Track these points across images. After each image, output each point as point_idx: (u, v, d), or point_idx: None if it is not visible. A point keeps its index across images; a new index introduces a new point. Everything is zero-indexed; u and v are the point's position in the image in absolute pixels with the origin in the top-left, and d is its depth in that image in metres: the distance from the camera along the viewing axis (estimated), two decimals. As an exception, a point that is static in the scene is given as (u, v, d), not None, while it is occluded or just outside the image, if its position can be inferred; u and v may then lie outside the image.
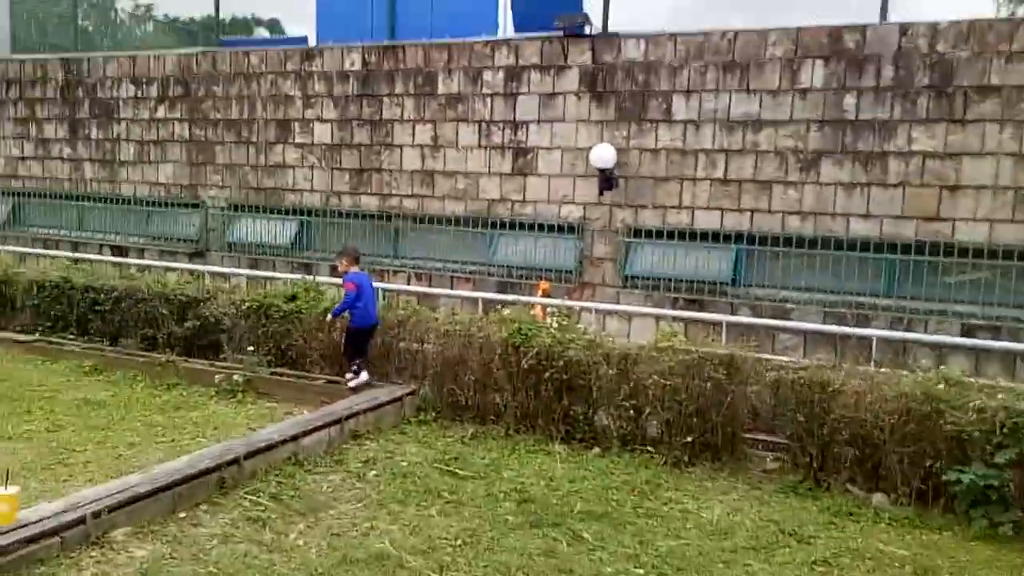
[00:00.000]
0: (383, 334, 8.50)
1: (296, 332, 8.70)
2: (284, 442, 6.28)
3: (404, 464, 6.69)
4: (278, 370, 8.65)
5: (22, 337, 9.61)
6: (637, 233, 11.98)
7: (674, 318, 10.79)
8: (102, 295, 9.45)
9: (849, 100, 10.78)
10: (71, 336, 9.65)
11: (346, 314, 8.24)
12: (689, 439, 7.20)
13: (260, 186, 14.49)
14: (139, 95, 15.45)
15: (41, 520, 4.45)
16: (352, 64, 13.66)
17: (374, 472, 6.45)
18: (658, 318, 11.21)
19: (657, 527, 5.77)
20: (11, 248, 14.63)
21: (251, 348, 8.68)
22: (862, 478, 6.74)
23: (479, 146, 12.81)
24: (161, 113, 15.27)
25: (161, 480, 5.20)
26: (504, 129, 12.66)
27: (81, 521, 4.57)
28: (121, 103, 15.60)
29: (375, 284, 12.35)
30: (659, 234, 11.78)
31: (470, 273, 12.72)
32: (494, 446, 7.41)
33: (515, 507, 5.95)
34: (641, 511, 6.05)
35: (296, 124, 14.16)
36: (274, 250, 14.12)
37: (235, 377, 8.35)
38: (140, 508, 4.96)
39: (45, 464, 6.15)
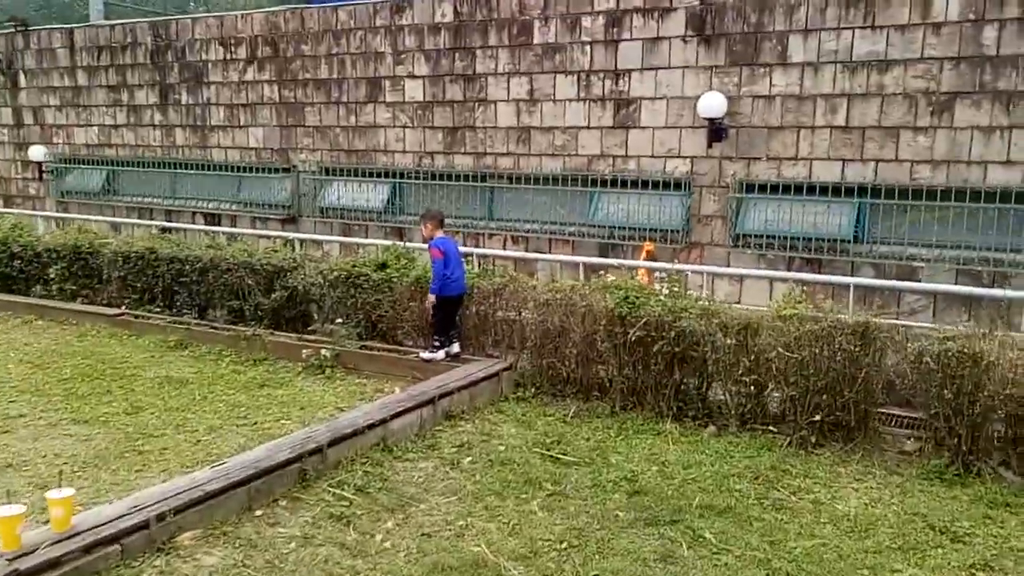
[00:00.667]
0: (478, 304, 7.81)
1: (387, 302, 8.12)
2: (371, 426, 5.69)
3: (502, 449, 6.01)
4: (368, 343, 8.10)
5: (108, 310, 9.38)
6: (749, 188, 10.91)
7: (792, 280, 9.72)
8: (187, 266, 9.09)
9: (989, 33, 9.41)
10: (157, 309, 9.37)
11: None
12: (817, 418, 6.31)
13: (351, 148, 14.00)
14: (228, 57, 15.13)
15: (99, 526, 3.96)
16: (443, 15, 12.90)
17: (469, 459, 5.79)
18: (773, 280, 10.19)
19: (787, 523, 4.95)
20: (103, 218, 14.66)
21: (339, 320, 8.14)
22: (1017, 461, 5.73)
23: (578, 98, 11.89)
24: (250, 75, 14.92)
25: (235, 474, 4.67)
26: (604, 79, 11.70)
27: (144, 526, 4.06)
28: (210, 66, 15.32)
29: (470, 249, 11.84)
30: (773, 188, 10.69)
31: (569, 235, 11.90)
32: (599, 425, 6.66)
33: (625, 500, 5.20)
34: (767, 503, 5.22)
35: (387, 82, 13.54)
36: (366, 214, 13.64)
37: (323, 352, 7.84)
38: (211, 507, 4.44)
39: (119, 452, 5.75)
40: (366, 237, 13.30)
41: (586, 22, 11.75)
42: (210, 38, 15.30)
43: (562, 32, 11.92)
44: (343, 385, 7.51)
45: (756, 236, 10.81)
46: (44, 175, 17.62)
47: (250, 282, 8.75)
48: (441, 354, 7.63)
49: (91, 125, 17.03)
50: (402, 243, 9.20)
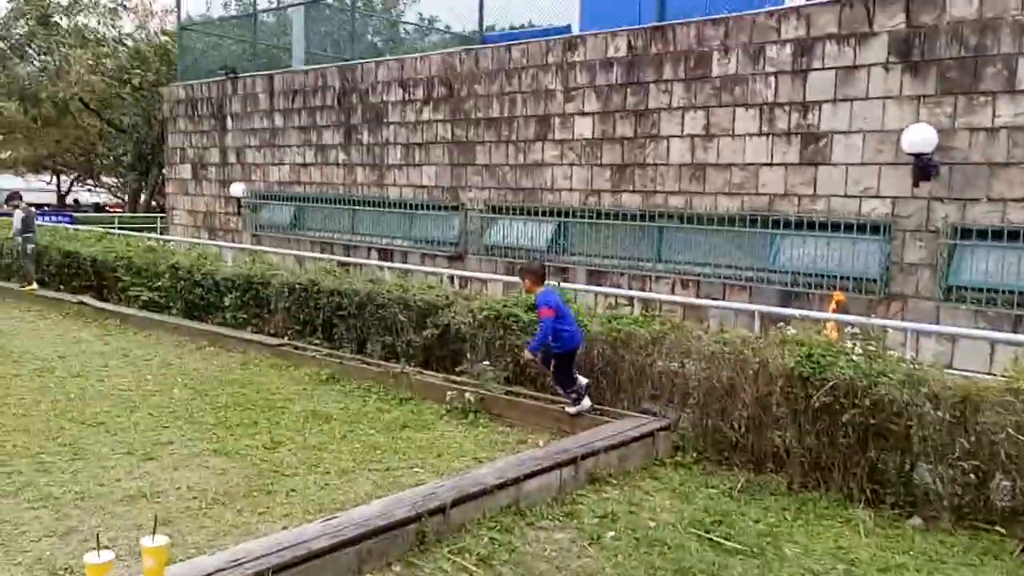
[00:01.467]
0: (635, 354, 7.11)
1: (537, 346, 7.58)
2: (502, 486, 5.12)
3: (652, 525, 5.24)
4: (514, 388, 7.59)
5: (272, 340, 9.50)
6: (965, 233, 9.50)
7: (1020, 343, 8.23)
8: (345, 299, 9.04)
9: None
10: (316, 341, 9.37)
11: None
12: (1066, 521, 5.03)
13: (518, 186, 13.76)
14: (406, 98, 15.45)
15: (190, 582, 3.63)
16: (616, 51, 12.44)
17: (612, 534, 5.07)
18: (995, 342, 8.72)
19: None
20: (287, 251, 15.27)
21: (485, 363, 7.70)
22: None
23: (759, 133, 10.97)
24: (426, 115, 15.13)
25: (347, 531, 4.25)
26: (791, 112, 10.71)
27: (238, 583, 3.70)
28: (390, 107, 15.71)
29: (634, 292, 11.13)
30: (996, 234, 9.23)
31: (746, 280, 10.90)
32: (772, 505, 5.71)
33: (802, 609, 4.28)
34: (991, 636, 4.09)
35: (556, 119, 13.23)
36: (531, 253, 13.29)
37: (467, 395, 7.41)
38: (315, 567, 4.02)
39: (249, 489, 5.54)
40: (530, 277, 12.92)
41: (771, 51, 10.85)
42: (391, 80, 15.72)
43: (743, 63, 11.08)
44: (485, 432, 7.02)
45: (974, 289, 9.38)
46: (242, 210, 18.79)
47: (403, 318, 8.53)
48: (587, 403, 6.96)
49: (283, 164, 17.99)
50: (557, 283, 8.64)
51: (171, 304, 11.21)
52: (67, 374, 8.43)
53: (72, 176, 44.66)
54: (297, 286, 9.55)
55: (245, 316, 10.28)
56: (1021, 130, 9.15)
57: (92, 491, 5.36)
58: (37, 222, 14.81)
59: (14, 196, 14.58)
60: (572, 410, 7.00)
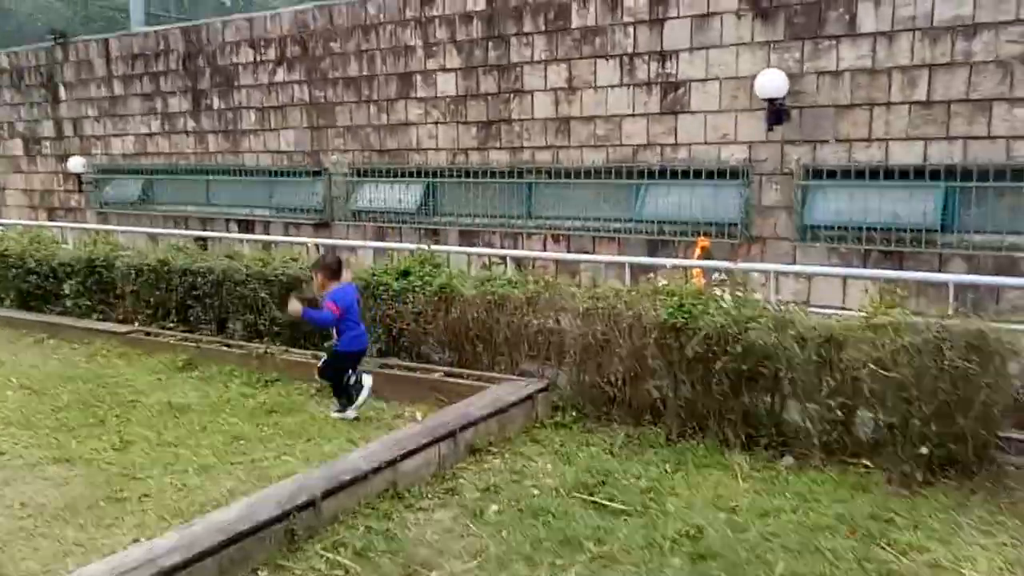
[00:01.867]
0: (510, 315, 6.93)
1: (408, 314, 7.29)
2: (377, 470, 4.83)
3: (535, 493, 5.10)
4: (387, 360, 7.28)
5: (120, 328, 8.78)
6: (817, 174, 9.82)
7: (871, 278, 8.58)
8: (200, 278, 8.41)
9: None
10: (171, 325, 8.71)
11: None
12: (924, 450, 5.22)
13: (383, 148, 13.26)
14: (258, 59, 14.56)
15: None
16: (476, 3, 12.06)
17: (495, 507, 4.89)
18: (848, 278, 9.09)
19: (902, 598, 3.91)
20: (138, 229, 14.22)
21: (356, 336, 7.33)
22: None
23: (621, 84, 10.93)
24: (280, 77, 14.32)
25: (204, 541, 3.87)
26: (650, 62, 10.70)
27: (76, 615, 3.28)
28: (240, 69, 14.77)
29: (506, 251, 10.95)
30: (844, 174, 9.60)
31: (614, 232, 10.93)
32: (653, 458, 5.69)
33: (689, 566, 4.23)
34: (871, 568, 4.18)
35: (418, 77, 12.77)
36: (400, 216, 12.89)
37: (336, 372, 7.03)
38: (167, 585, 3.63)
39: (95, 500, 5.02)
40: (400, 240, 12.56)
41: (628, 1, 10.77)
42: (240, 40, 14.76)
43: (602, 13, 10.97)
44: (359, 410, 6.69)
45: (826, 228, 9.73)
46: (84, 186, 17.37)
47: (264, 295, 8.02)
48: (352, 412, 6.49)
49: (127, 134, 16.70)
50: (427, 247, 8.34)
51: (2, 295, 10.18)
52: None
53: None
54: (145, 267, 8.81)
55: (89, 303, 9.45)
56: (862, 72, 9.46)
57: (-95, 520, 4.71)
58: None
59: None
60: (334, 415, 6.53)
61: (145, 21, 18.05)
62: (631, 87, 10.80)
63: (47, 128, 18.08)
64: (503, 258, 10.00)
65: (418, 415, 6.53)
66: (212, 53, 15.12)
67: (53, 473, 5.44)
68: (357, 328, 6.49)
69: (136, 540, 4.48)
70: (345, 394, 6.54)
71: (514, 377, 6.71)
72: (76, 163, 17.02)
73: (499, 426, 5.96)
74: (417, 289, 7.27)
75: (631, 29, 10.76)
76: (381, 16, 13.05)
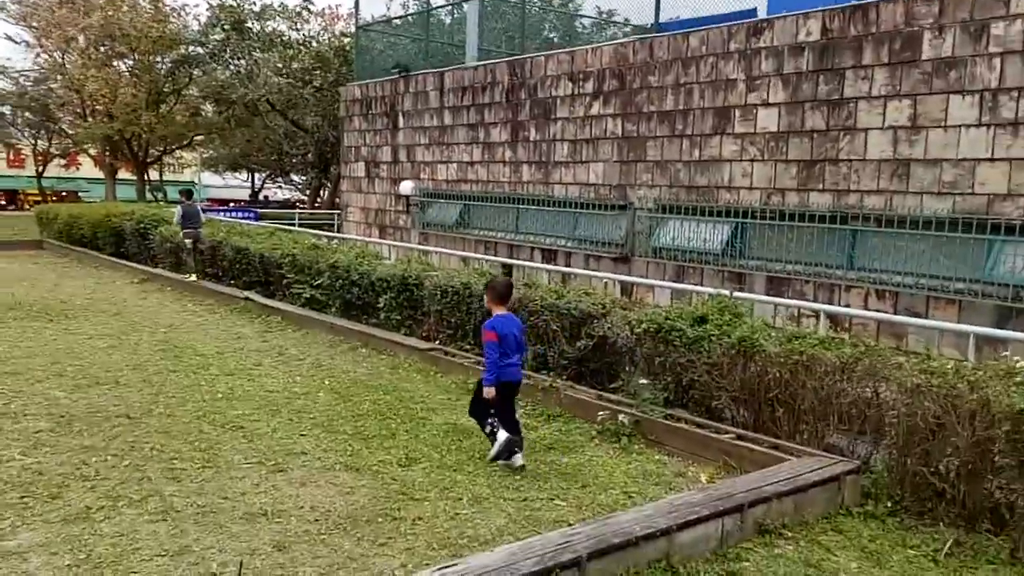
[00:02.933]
0: (820, 379, 6.07)
1: (701, 364, 6.71)
2: (650, 537, 4.34)
3: (835, 596, 4.29)
4: (675, 412, 6.74)
5: (422, 344, 9.17)
6: None
7: None
8: (496, 304, 8.51)
9: None
10: (467, 347, 8.92)
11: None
12: None
13: (692, 184, 12.76)
14: (575, 92, 14.81)
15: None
16: (808, 34, 11.16)
17: (784, 605, 4.18)
18: None
19: None
20: (451, 251, 15.05)
21: (643, 380, 6.91)
22: None
23: (978, 124, 9.40)
24: (595, 110, 14.42)
25: (460, 584, 3.65)
26: (1020, 99, 9.09)
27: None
28: (558, 102, 15.13)
29: (820, 305, 9.87)
30: None
31: (955, 293, 9.38)
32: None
33: None
34: None
35: (736, 111, 12.11)
36: (703, 257, 12.26)
37: (621, 417, 6.66)
38: (420, 628, 3.45)
39: (375, 514, 5.08)
40: (700, 281, 11.94)
41: (996, 29, 9.26)
42: (560, 73, 15.13)
43: (961, 44, 9.54)
44: (639, 461, 6.24)
45: None
46: (411, 208, 18.91)
47: (555, 327, 7.89)
48: (519, 460, 5.96)
49: (451, 162, 17.88)
50: (728, 292, 7.69)
51: (330, 303, 11.20)
52: (220, 372, 8.47)
53: (264, 174, 47.72)
54: (450, 288, 9.15)
55: (399, 317, 10.04)
56: None
57: (214, 505, 5.10)
58: (221, 217, 15.55)
59: (186, 193, 15.81)
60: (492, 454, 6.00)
61: (478, 56, 19.30)
62: (991, 127, 9.25)
63: (386, 153, 20.00)
64: (816, 312, 9.04)
65: (703, 478, 5.93)
66: (533, 86, 15.68)
67: (343, 480, 5.64)
68: (509, 359, 6.06)
69: (403, 566, 4.43)
70: (492, 427, 6.07)
71: (818, 452, 5.85)
72: (406, 187, 18.59)
73: (795, 507, 5.17)
74: (714, 339, 6.67)
75: (997, 61, 9.24)
76: (703, 48, 12.61)
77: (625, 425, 6.63)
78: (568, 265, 14.10)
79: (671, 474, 6.03)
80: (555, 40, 25.08)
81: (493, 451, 5.98)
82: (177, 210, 15.25)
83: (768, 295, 10.82)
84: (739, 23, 12.32)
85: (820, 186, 10.92)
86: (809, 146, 11.08)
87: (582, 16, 28.46)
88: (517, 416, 6.28)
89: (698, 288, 10.55)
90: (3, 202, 49.16)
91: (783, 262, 11.20)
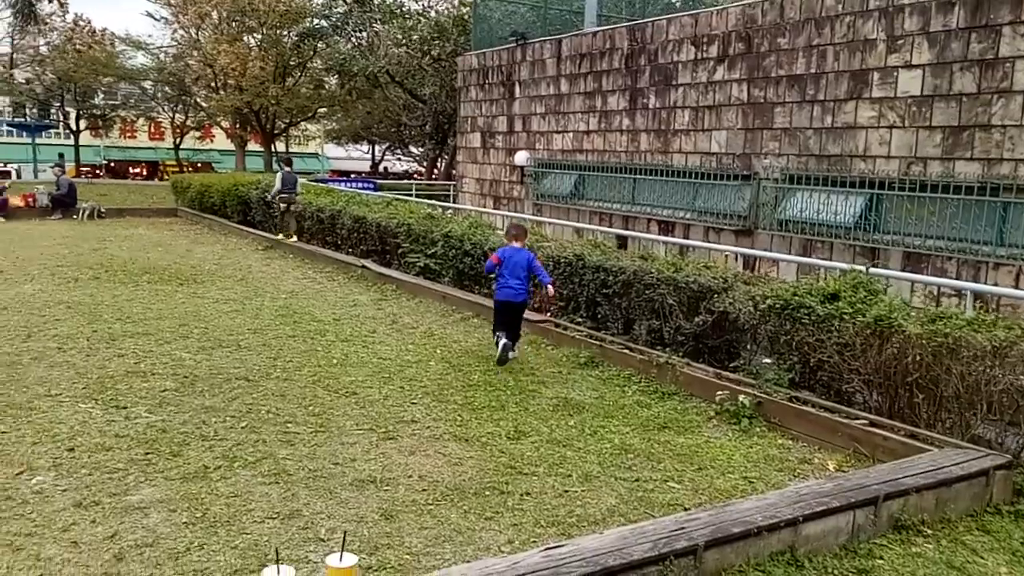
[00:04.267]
0: (966, 365, 5.53)
1: (831, 344, 6.26)
2: (774, 527, 4.04)
3: (981, 604, 3.88)
4: (800, 394, 6.33)
5: (534, 316, 9.00)
6: None
7: None
8: (611, 276, 8.25)
9: None
10: (579, 320, 8.70)
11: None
12: None
13: (822, 152, 12.01)
14: (698, 57, 14.19)
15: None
16: (960, -12, 10.23)
17: (923, 611, 3.80)
18: None
19: None
20: (566, 222, 14.82)
21: (766, 359, 6.52)
22: None
23: None
24: (719, 75, 13.78)
25: (567, 570, 3.47)
26: None
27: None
28: (680, 68, 14.56)
29: (964, 283, 9.10)
30: None
31: (1126, 275, 8.44)
32: None
33: None
34: None
35: (874, 74, 11.28)
36: (832, 230, 11.55)
37: (741, 398, 6.31)
38: (525, 609, 3.30)
39: (481, 486, 4.98)
40: (829, 256, 11.27)
41: None
42: (682, 38, 14.53)
43: None
44: (760, 445, 5.89)
45: None
46: (525, 179, 18.76)
47: (672, 301, 7.56)
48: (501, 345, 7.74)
49: (567, 131, 17.57)
50: (864, 268, 7.15)
51: (443, 272, 11.21)
52: (336, 338, 8.58)
53: (384, 146, 48.65)
54: (562, 260, 8.94)
55: (511, 288, 9.89)
56: None
57: (325, 470, 5.12)
58: (342, 187, 15.94)
59: (287, 161, 17.49)
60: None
61: (596, 22, 18.81)
62: None
63: (501, 123, 19.87)
64: (959, 291, 8.34)
65: (830, 466, 5.54)
66: (653, 51, 15.14)
67: (452, 451, 5.57)
68: (500, 280, 7.97)
69: (509, 541, 4.30)
70: (496, 331, 7.96)
71: (963, 443, 5.34)
72: (521, 157, 18.42)
73: (936, 502, 4.73)
74: (846, 317, 6.19)
75: None
76: (839, 7, 11.78)
77: (746, 406, 6.27)
78: (686, 237, 13.63)
79: (795, 460, 5.66)
80: (677, 5, 24.22)
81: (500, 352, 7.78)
82: (277, 176, 16.54)
83: (904, 272, 10.09)
84: (880, -22, 11.43)
85: (968, 154, 10.04)
86: (956, 111, 10.19)
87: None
88: (521, 332, 8.19)
89: (828, 263, 9.94)
90: (145, 173, 52.27)
91: (923, 237, 10.40)
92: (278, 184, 16.23)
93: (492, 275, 8.35)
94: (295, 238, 15.84)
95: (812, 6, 12.14)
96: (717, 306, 7.18)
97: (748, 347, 7.20)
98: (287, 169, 16.57)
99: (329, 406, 6.36)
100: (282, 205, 16.19)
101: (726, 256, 11.06)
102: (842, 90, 11.69)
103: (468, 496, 4.86)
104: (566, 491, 4.98)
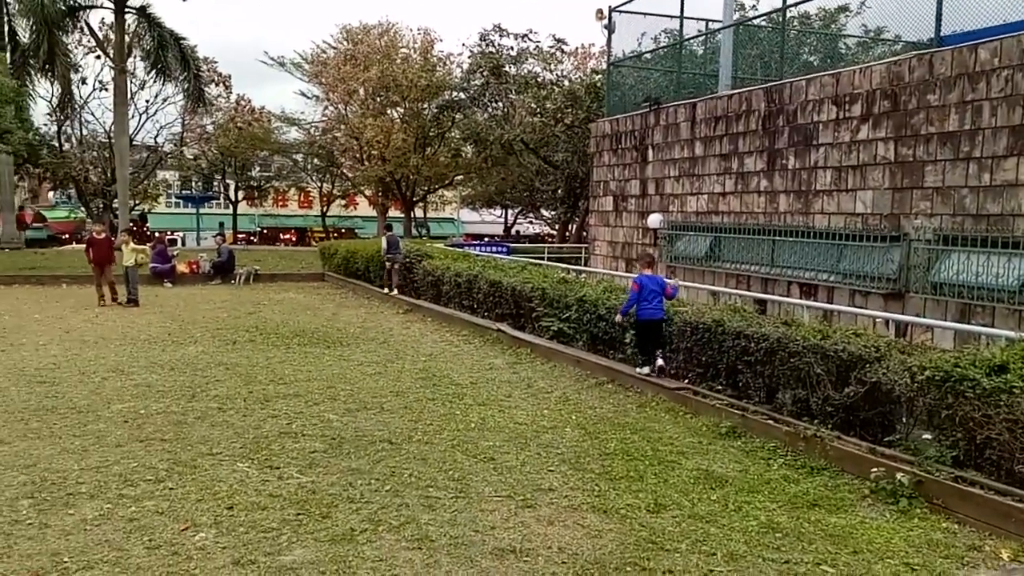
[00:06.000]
0: None
1: (1001, 421, 5.79)
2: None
3: None
4: (965, 474, 5.88)
5: (671, 383, 8.85)
6: None
7: None
8: (752, 343, 8.01)
9: None
10: (719, 388, 8.47)
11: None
12: None
13: (980, 212, 11.33)
14: (840, 116, 13.81)
15: None
16: None
17: None
18: None
19: None
20: (702, 285, 14.56)
21: (925, 435, 6.11)
22: None
23: None
24: (863, 134, 13.34)
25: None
26: None
27: None
28: (820, 127, 14.20)
29: None
30: None
31: None
32: None
33: None
34: None
35: (1036, 129, 10.62)
36: (993, 294, 10.80)
37: (899, 476, 5.92)
38: None
39: (622, 561, 4.87)
40: (991, 323, 10.53)
41: None
42: (823, 97, 14.20)
43: None
44: (921, 528, 5.49)
45: None
46: (658, 241, 18.63)
47: (819, 370, 7.24)
48: (647, 369, 9.27)
49: (702, 193, 17.41)
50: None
51: (577, 336, 11.22)
52: (474, 402, 8.72)
53: (516, 210, 49.68)
54: (700, 325, 8.77)
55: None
56: None
57: (466, 537, 5.16)
58: (476, 252, 16.48)
59: (387, 227, 20.65)
60: (637, 370, 9.42)
61: (732, 85, 18.69)
62: None
63: (634, 187, 19.92)
64: None
65: (1004, 555, 5.09)
66: (792, 112, 14.86)
67: (591, 522, 5.50)
68: (648, 303, 9.28)
69: (652, 622, 4.18)
70: (644, 354, 9.42)
71: None
72: (654, 219, 18.35)
73: None
74: (1016, 391, 5.73)
75: None
76: (995, 61, 11.22)
77: (904, 485, 5.87)
78: (830, 301, 13.09)
79: (962, 546, 5.23)
80: (815, 63, 23.75)
81: (646, 368, 9.39)
82: (383, 240, 18.95)
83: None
84: (1040, 29, 10.84)
85: None
86: None
87: (846, 36, 26.76)
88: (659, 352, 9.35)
89: (990, 330, 9.28)
90: (294, 239, 55.52)
91: (1100, 301, 9.55)
92: (384, 246, 18.36)
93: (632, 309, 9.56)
94: (396, 292, 18.16)
95: (964, 60, 11.64)
96: (869, 376, 6.82)
97: (904, 421, 6.78)
98: (389, 233, 18.98)
99: (468, 471, 6.44)
100: (387, 264, 18.35)
101: (875, 321, 10.54)
102: (1001, 146, 11.05)
103: (609, 571, 4.77)
104: (710, 571, 4.80)
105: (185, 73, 29.96)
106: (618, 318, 9.70)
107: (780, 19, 17.84)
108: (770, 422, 7.43)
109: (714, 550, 5.08)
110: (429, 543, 5.06)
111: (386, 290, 18.56)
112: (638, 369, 9.46)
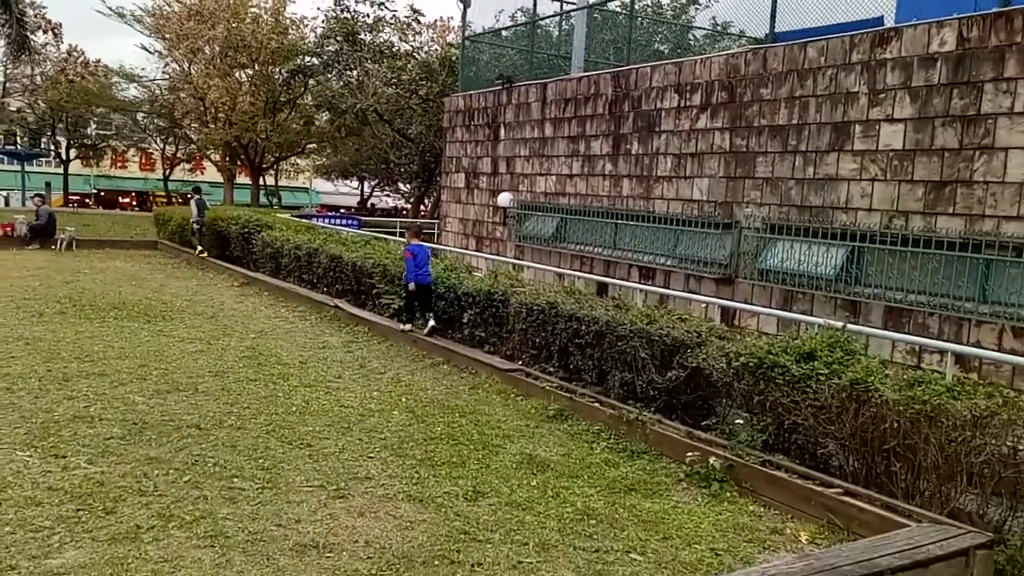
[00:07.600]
0: (946, 434, 5.30)
1: (807, 406, 6.02)
2: (736, 613, 3.76)
3: None
4: (774, 458, 6.08)
5: (505, 364, 8.78)
6: None
7: None
8: (583, 326, 8.02)
9: None
10: (551, 369, 8.46)
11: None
12: None
13: (804, 203, 11.89)
14: (681, 104, 14.14)
15: None
16: (942, 44, 10.19)
17: None
18: None
19: None
20: (546, 266, 14.63)
21: (739, 420, 6.27)
22: None
23: None
24: (702, 123, 13.72)
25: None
26: None
27: None
28: (663, 114, 14.50)
29: (943, 343, 8.95)
30: None
31: (1109, 337, 8.27)
32: None
33: None
34: None
35: (856, 127, 11.20)
36: (813, 282, 11.38)
37: (712, 460, 6.05)
38: None
39: (431, 555, 4.68)
40: (810, 309, 11.09)
41: None
42: (666, 85, 14.50)
43: (1125, 50, 8.45)
44: (730, 512, 5.62)
45: None
46: (508, 220, 18.60)
47: (644, 355, 7.33)
48: (409, 326, 10.52)
49: (551, 174, 17.47)
50: (840, 324, 6.95)
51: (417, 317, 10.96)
52: (300, 383, 8.30)
53: (373, 183, 48.66)
54: (535, 307, 8.71)
55: (483, 334, 9.68)
56: None
57: (266, 533, 4.82)
58: (323, 224, 15.95)
59: (195, 189, 20.66)
60: (401, 327, 10.64)
61: (584, 68, 18.84)
62: None
63: (485, 164, 19.78)
64: (941, 352, 8.16)
65: (803, 537, 5.27)
66: (637, 98, 15.10)
67: (404, 512, 5.28)
68: (421, 269, 10.30)
69: (453, 620, 4.00)
70: (408, 314, 10.61)
71: (941, 518, 5.09)
72: (504, 198, 18.28)
73: (913, 583, 4.45)
74: (822, 378, 5.97)
75: None
76: (822, 59, 11.76)
77: (717, 469, 6.01)
78: (667, 284, 13.46)
79: (766, 530, 5.39)
80: (665, 53, 24.37)
81: (426, 329, 10.28)
82: (193, 203, 19.78)
83: (886, 327, 9.92)
84: (863, 32, 11.42)
85: (950, 210, 9.92)
86: (939, 166, 10.10)
87: (695, 28, 27.62)
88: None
89: (807, 318, 9.76)
90: (135, 204, 52.03)
91: (904, 291, 10.23)
92: (195, 209, 19.49)
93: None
94: (205, 253, 19.06)
95: (795, 57, 12.12)
96: (690, 361, 6.95)
97: (723, 404, 6.96)
98: (197, 196, 19.90)
99: (280, 459, 6.07)
100: (195, 226, 19.47)
101: (705, 307, 10.87)
102: (824, 142, 11.61)
103: (416, 566, 4.57)
104: (520, 562, 4.69)
105: (6, 16, 27.14)
106: (411, 286, 10.42)
107: (630, 4, 18.14)
108: (596, 405, 7.46)
109: (527, 540, 4.98)
110: (224, 540, 4.68)
111: (199, 250, 19.23)
112: (401, 326, 10.61)
